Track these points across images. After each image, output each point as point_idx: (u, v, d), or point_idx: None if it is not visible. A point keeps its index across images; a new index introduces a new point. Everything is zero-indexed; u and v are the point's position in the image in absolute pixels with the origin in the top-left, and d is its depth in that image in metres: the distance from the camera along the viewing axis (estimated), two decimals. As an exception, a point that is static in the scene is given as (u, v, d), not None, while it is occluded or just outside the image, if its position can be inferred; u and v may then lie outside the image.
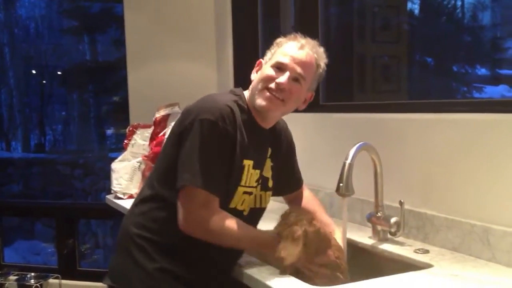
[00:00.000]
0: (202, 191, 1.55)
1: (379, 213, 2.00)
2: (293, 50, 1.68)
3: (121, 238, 1.75)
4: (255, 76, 1.74)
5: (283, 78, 1.65)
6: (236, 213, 1.65)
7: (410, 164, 2.03)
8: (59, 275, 3.87)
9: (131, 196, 2.79)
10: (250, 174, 1.67)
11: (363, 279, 1.56)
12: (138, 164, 2.92)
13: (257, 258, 1.71)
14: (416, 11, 3.36)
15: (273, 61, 1.68)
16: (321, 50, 1.75)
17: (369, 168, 1.97)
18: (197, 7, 3.50)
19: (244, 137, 1.64)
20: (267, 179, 1.76)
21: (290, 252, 1.55)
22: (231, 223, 1.59)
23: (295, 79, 1.66)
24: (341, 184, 1.79)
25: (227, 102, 1.63)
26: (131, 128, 3.14)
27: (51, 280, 3.84)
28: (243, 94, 1.75)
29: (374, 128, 2.19)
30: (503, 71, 3.02)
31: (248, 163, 1.66)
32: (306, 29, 2.77)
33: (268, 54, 1.74)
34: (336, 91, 2.98)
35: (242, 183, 1.65)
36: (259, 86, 1.68)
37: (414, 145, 2.02)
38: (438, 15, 3.32)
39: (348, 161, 1.81)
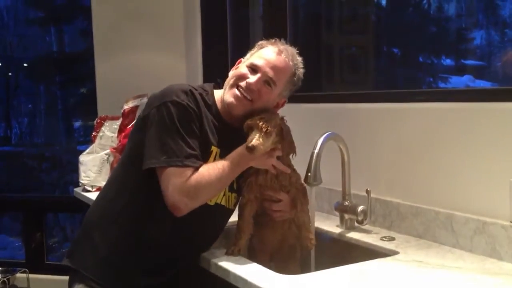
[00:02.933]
0: (176, 168, 1.55)
1: (346, 202, 2.02)
2: (270, 55, 1.70)
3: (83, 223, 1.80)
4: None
5: (253, 79, 1.67)
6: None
7: (377, 153, 2.06)
8: (26, 269, 3.82)
9: (99, 189, 2.77)
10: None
11: (330, 267, 1.58)
12: (107, 156, 2.90)
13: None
14: (384, 2, 3.39)
15: (249, 62, 1.71)
16: (299, 59, 1.77)
17: (337, 158, 2.00)
18: (165, -2, 3.47)
19: (211, 124, 1.67)
20: (233, 180, 1.74)
21: (262, 142, 1.59)
22: (202, 172, 1.57)
23: (266, 82, 1.68)
24: (309, 174, 1.81)
25: (193, 88, 1.66)
26: (99, 120, 3.11)
27: (18, 275, 3.79)
28: (212, 90, 1.76)
29: (342, 118, 2.21)
30: (468, 62, 3.07)
31: (215, 150, 1.67)
32: (274, 19, 2.79)
33: (248, 55, 1.77)
34: (304, 81, 2.98)
35: None
36: (231, 82, 1.71)
37: (381, 134, 2.05)
38: (405, 6, 3.36)
39: (316, 151, 1.82)
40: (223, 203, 1.73)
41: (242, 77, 1.69)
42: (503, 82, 2.72)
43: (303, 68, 1.78)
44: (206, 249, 1.78)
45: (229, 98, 1.69)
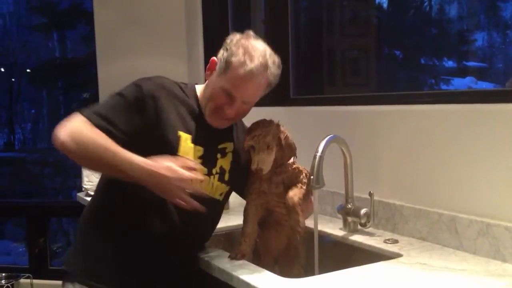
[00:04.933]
0: (88, 119, 1.58)
1: (349, 205, 2.02)
2: (243, 81, 1.62)
3: None
4: (208, 80, 1.73)
5: (232, 111, 1.67)
6: None
7: (379, 155, 2.06)
8: (30, 275, 3.82)
9: (102, 193, 2.77)
10: (189, 147, 1.65)
11: (334, 270, 1.58)
12: (109, 161, 2.89)
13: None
14: (385, 5, 3.39)
15: (223, 83, 1.64)
16: (272, 61, 1.67)
17: (339, 161, 1.99)
18: (167, 3, 3.48)
19: (181, 111, 1.68)
20: (225, 171, 1.74)
21: (266, 162, 1.64)
22: (95, 130, 1.55)
23: (243, 103, 1.68)
24: (312, 177, 1.80)
25: (169, 79, 1.72)
26: (101, 125, 3.10)
27: (22, 280, 3.79)
28: (193, 85, 1.79)
29: (344, 121, 2.21)
30: (470, 63, 3.07)
31: (184, 135, 1.66)
32: (276, 22, 2.79)
33: (220, 63, 1.67)
34: (306, 84, 2.99)
35: (180, 153, 1.63)
36: (211, 107, 1.69)
37: (384, 136, 2.04)
38: (406, 9, 3.36)
39: (318, 154, 1.82)
40: (208, 193, 1.70)
41: (219, 106, 1.67)
42: (505, 83, 2.72)
43: (278, 68, 1.70)
44: (198, 246, 1.78)
45: (213, 122, 1.71)
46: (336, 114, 2.29)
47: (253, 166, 1.65)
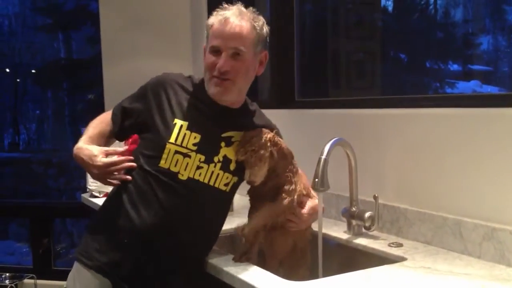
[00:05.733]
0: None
1: (353, 208, 2.02)
2: (220, 28, 1.67)
3: None
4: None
5: (221, 62, 1.66)
6: (170, 175, 1.66)
7: (384, 159, 2.06)
8: (34, 275, 3.83)
9: (106, 194, 2.77)
10: (183, 134, 1.68)
11: (338, 273, 1.58)
12: (114, 162, 2.90)
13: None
14: (390, 8, 3.39)
15: (209, 46, 1.70)
16: (250, 11, 1.71)
17: (344, 164, 1.99)
18: (173, 5, 3.49)
19: (183, 100, 1.73)
20: (230, 160, 1.73)
21: (258, 175, 1.68)
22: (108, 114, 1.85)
23: (234, 55, 1.67)
24: (316, 180, 1.80)
25: (188, 75, 1.83)
26: (106, 126, 3.11)
27: (26, 280, 3.80)
28: (200, 78, 1.81)
29: (349, 124, 2.21)
30: (475, 67, 3.07)
31: (180, 123, 1.69)
32: (281, 25, 2.79)
33: (206, 34, 1.75)
34: (311, 87, 2.99)
35: (171, 140, 1.66)
36: (206, 76, 1.72)
37: (388, 140, 2.04)
38: (411, 12, 3.36)
39: (323, 157, 1.82)
40: (200, 179, 1.69)
41: (211, 66, 1.69)
42: (510, 87, 2.71)
43: (257, 15, 1.73)
44: (207, 238, 1.78)
45: (212, 89, 1.70)
46: (341, 117, 2.29)
47: (246, 179, 1.69)
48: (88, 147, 1.73)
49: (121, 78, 3.44)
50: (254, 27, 1.69)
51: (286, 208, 1.74)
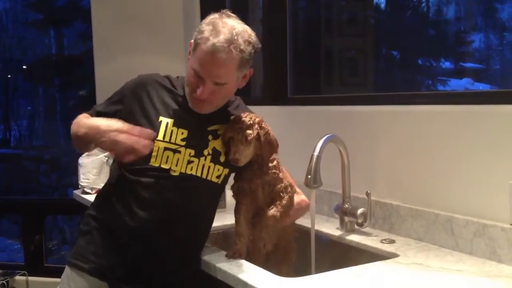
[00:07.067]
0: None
1: (346, 205, 2.03)
2: (205, 58, 1.59)
3: None
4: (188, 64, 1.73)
5: (201, 90, 1.63)
6: (162, 172, 1.65)
7: (376, 155, 2.06)
8: (25, 272, 3.82)
9: (98, 191, 2.76)
10: (170, 130, 1.68)
11: (330, 270, 1.58)
12: (106, 158, 2.90)
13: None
14: (383, 5, 3.40)
15: (192, 63, 1.64)
16: (241, 37, 1.60)
17: (337, 160, 2.00)
18: (165, 0, 3.47)
19: (167, 100, 1.73)
20: (219, 153, 1.73)
21: (243, 153, 1.67)
22: (86, 116, 1.76)
23: (215, 84, 1.63)
24: (309, 176, 1.81)
25: (166, 75, 1.81)
26: (98, 122, 3.10)
27: (17, 277, 3.79)
28: (182, 77, 1.80)
29: (342, 121, 2.22)
30: (467, 64, 3.08)
31: (165, 120, 1.69)
32: (274, 22, 2.79)
33: (192, 44, 1.67)
34: (304, 84, 2.99)
35: (159, 137, 1.66)
36: (187, 89, 1.71)
37: (380, 136, 2.05)
38: (403, 9, 3.37)
39: (316, 153, 1.83)
40: (193, 173, 1.69)
41: (193, 86, 1.66)
42: (502, 84, 2.73)
43: (247, 37, 1.62)
44: (202, 234, 1.78)
45: (192, 105, 1.71)
46: (333, 114, 2.30)
47: (230, 156, 1.68)
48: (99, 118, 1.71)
49: (113, 75, 3.42)
50: (241, 58, 1.62)
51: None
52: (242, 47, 1.60)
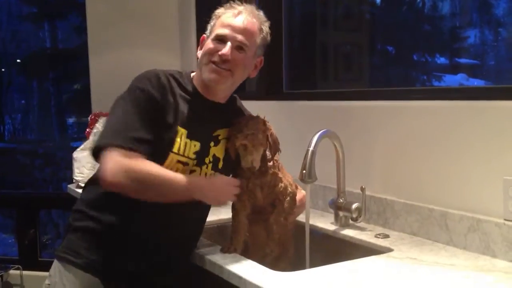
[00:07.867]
0: (122, 149, 1.52)
1: (341, 199, 2.03)
2: (231, 19, 1.67)
3: None
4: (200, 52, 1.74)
5: (225, 49, 1.64)
6: None
7: (371, 151, 2.07)
8: (20, 266, 3.81)
9: (93, 185, 2.76)
10: (184, 143, 1.63)
11: (325, 264, 1.59)
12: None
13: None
14: (378, 0, 3.40)
15: (213, 34, 1.68)
16: (261, 13, 1.75)
17: (332, 155, 2.00)
18: (160, -6, 3.46)
19: (178, 103, 1.65)
20: (218, 159, 1.73)
21: (257, 159, 1.68)
22: (155, 165, 1.55)
23: (238, 47, 1.66)
24: (304, 171, 1.81)
25: (164, 71, 1.67)
26: (93, 117, 3.10)
27: (12, 271, 3.77)
28: (189, 73, 1.76)
29: (337, 116, 2.22)
30: (462, 60, 3.09)
31: (182, 130, 1.63)
32: (269, 17, 2.78)
33: (209, 28, 1.73)
34: (299, 79, 2.99)
35: (175, 150, 1.62)
36: (204, 61, 1.68)
37: (376, 132, 2.05)
38: (399, 5, 3.37)
39: (310, 148, 1.83)
40: None
41: (213, 51, 1.66)
42: (496, 80, 2.73)
43: (266, 20, 1.75)
44: (197, 233, 1.78)
45: (208, 75, 1.66)
46: (328, 109, 2.30)
47: (247, 165, 1.66)
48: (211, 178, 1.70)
49: (107, 68, 3.42)
50: (261, 30, 1.71)
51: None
52: (262, 20, 1.72)
